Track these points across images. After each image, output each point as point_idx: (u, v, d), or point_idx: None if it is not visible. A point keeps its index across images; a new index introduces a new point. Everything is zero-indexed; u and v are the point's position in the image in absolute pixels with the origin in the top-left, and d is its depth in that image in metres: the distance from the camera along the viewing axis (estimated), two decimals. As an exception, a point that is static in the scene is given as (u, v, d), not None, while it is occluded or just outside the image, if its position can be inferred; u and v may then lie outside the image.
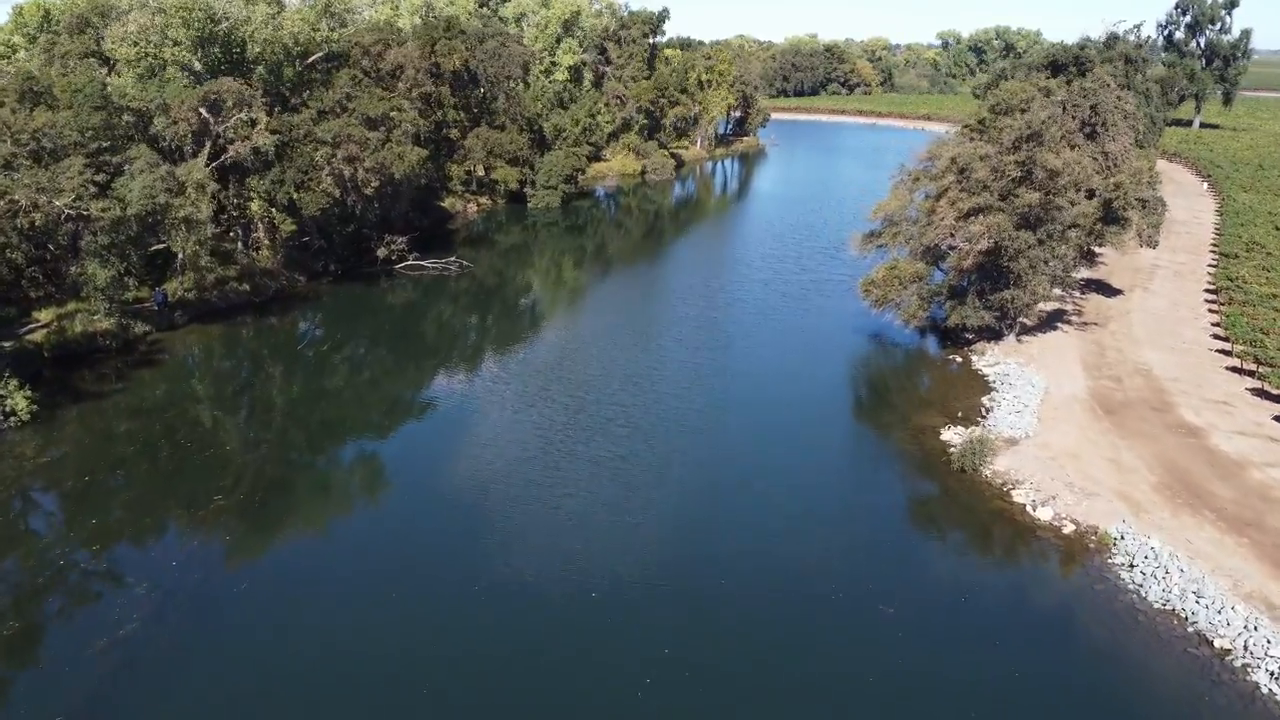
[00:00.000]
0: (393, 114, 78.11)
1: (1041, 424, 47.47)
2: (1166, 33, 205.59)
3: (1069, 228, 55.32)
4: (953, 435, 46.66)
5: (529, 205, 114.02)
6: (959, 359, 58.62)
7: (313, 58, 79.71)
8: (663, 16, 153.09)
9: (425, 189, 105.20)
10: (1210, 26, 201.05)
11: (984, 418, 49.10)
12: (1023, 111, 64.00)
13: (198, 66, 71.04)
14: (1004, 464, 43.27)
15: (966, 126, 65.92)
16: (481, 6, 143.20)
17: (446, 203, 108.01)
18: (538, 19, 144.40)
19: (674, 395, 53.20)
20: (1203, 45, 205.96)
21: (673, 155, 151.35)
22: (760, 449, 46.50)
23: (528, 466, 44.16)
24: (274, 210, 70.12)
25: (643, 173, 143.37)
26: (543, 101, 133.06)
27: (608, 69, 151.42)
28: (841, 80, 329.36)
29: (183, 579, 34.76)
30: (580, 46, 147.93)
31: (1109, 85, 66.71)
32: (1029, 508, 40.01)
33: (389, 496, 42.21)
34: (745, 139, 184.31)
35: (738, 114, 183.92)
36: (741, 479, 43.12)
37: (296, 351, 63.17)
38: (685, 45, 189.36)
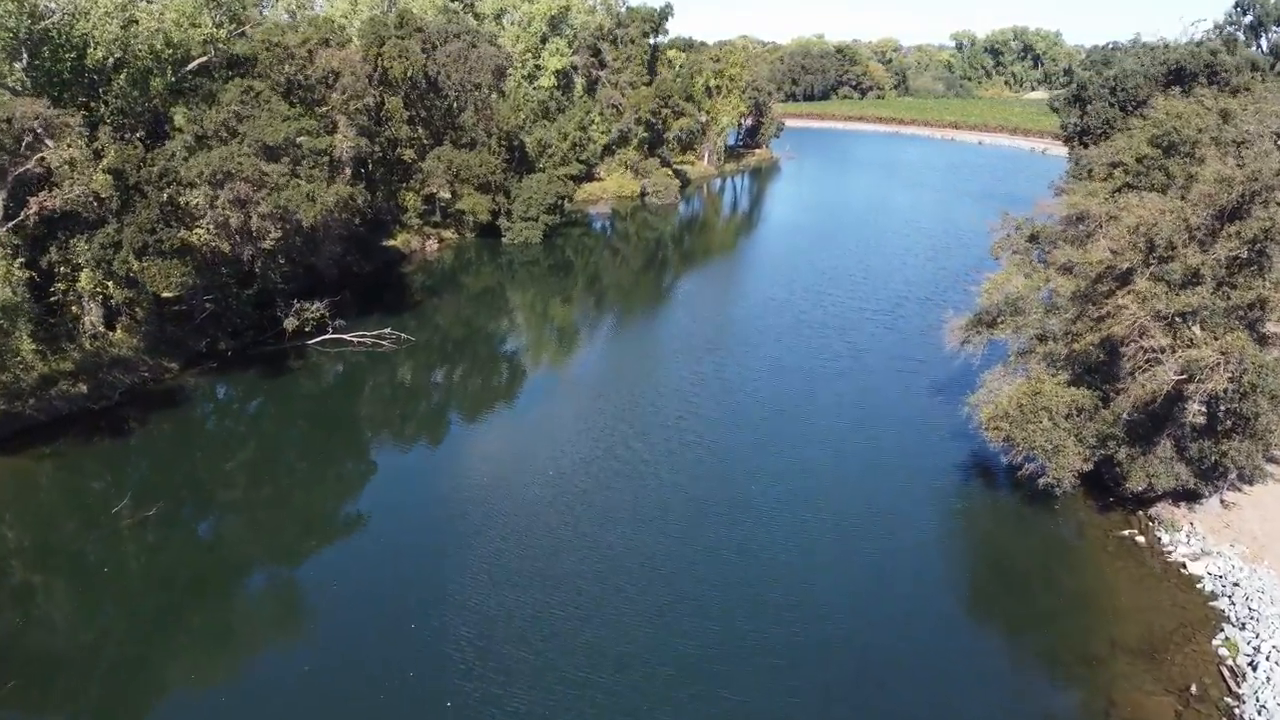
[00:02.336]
0: (300, 139, 57.12)
1: (1355, 725, 26.71)
2: (1225, 34, 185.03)
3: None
4: (1210, 759, 25.89)
5: (504, 240, 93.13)
6: (1138, 536, 37.78)
7: (194, 63, 58.81)
8: (665, 13, 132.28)
9: (372, 223, 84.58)
10: (1275, 28, 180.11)
11: (1236, 697, 28.29)
12: (1194, 148, 43.34)
13: (16, 79, 50.05)
14: None
15: (1118, 167, 45.07)
16: (454, 0, 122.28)
17: (399, 239, 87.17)
18: (520, 15, 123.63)
19: (689, 619, 32.48)
20: (1265, 48, 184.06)
21: (676, 172, 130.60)
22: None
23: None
24: (111, 284, 49.02)
25: (642, 194, 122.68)
26: (525, 112, 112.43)
27: (602, 73, 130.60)
28: (853, 84, 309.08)
29: None
30: (570, 47, 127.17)
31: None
32: None
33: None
34: (758, 151, 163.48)
35: (749, 122, 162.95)
36: None
37: (134, 492, 42.39)
38: (688, 46, 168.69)
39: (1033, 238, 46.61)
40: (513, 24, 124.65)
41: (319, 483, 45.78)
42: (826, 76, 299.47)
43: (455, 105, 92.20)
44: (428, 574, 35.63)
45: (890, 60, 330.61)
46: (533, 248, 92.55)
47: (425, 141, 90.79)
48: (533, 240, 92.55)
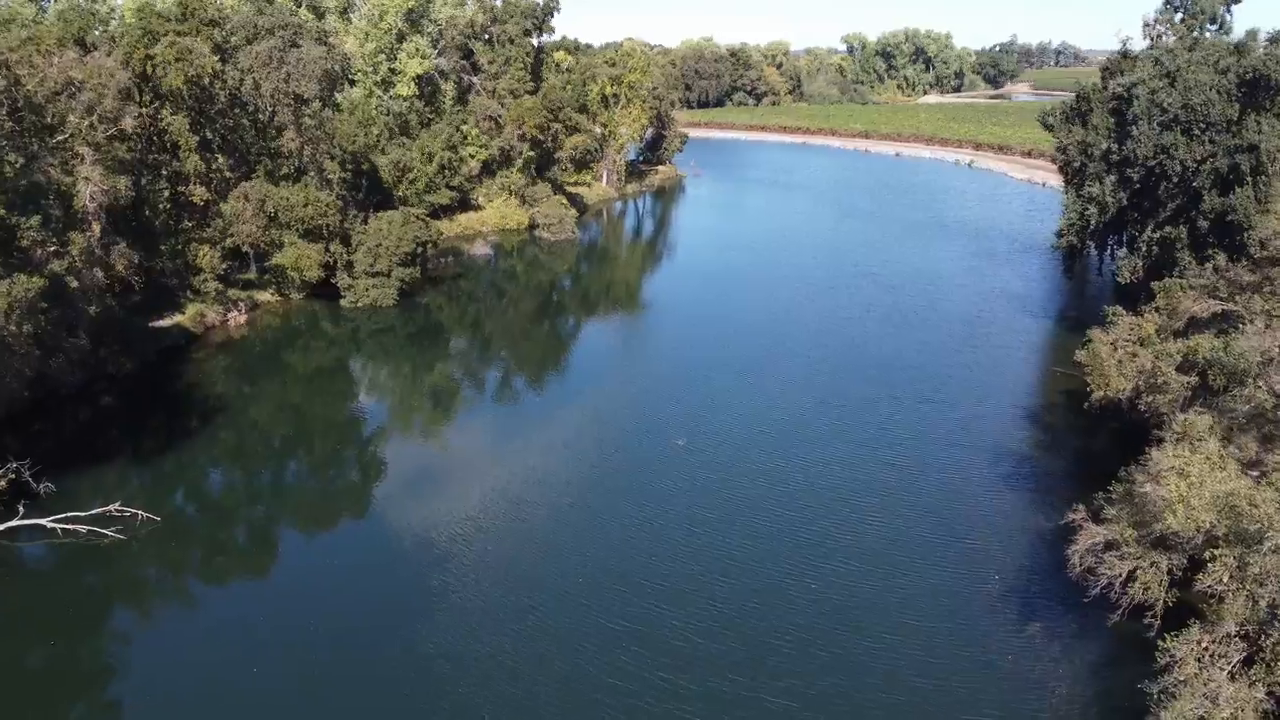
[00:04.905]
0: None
1: None
2: (1155, 34, 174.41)
3: None
4: None
5: (344, 302, 69.84)
6: None
7: None
8: (550, 7, 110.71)
9: (151, 293, 60.36)
10: (1210, 26, 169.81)
11: None
12: None
13: None
14: None
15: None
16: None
17: (188, 313, 62.86)
18: (369, 8, 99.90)
19: None
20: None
21: (571, 198, 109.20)
22: None
23: None
24: None
25: (531, 226, 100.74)
26: (377, 128, 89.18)
27: (475, 80, 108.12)
28: (748, 89, 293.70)
29: None
30: (434, 48, 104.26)
31: None
32: None
33: None
34: (661, 168, 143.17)
35: (649, 134, 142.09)
36: None
37: None
38: (576, 48, 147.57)
39: (1188, 366, 26.97)
40: (361, 19, 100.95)
41: None
42: (721, 82, 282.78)
43: (270, 125, 68.56)
44: None
45: (781, 64, 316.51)
46: (385, 312, 69.56)
47: (228, 175, 66.85)
48: (383, 302, 69.53)
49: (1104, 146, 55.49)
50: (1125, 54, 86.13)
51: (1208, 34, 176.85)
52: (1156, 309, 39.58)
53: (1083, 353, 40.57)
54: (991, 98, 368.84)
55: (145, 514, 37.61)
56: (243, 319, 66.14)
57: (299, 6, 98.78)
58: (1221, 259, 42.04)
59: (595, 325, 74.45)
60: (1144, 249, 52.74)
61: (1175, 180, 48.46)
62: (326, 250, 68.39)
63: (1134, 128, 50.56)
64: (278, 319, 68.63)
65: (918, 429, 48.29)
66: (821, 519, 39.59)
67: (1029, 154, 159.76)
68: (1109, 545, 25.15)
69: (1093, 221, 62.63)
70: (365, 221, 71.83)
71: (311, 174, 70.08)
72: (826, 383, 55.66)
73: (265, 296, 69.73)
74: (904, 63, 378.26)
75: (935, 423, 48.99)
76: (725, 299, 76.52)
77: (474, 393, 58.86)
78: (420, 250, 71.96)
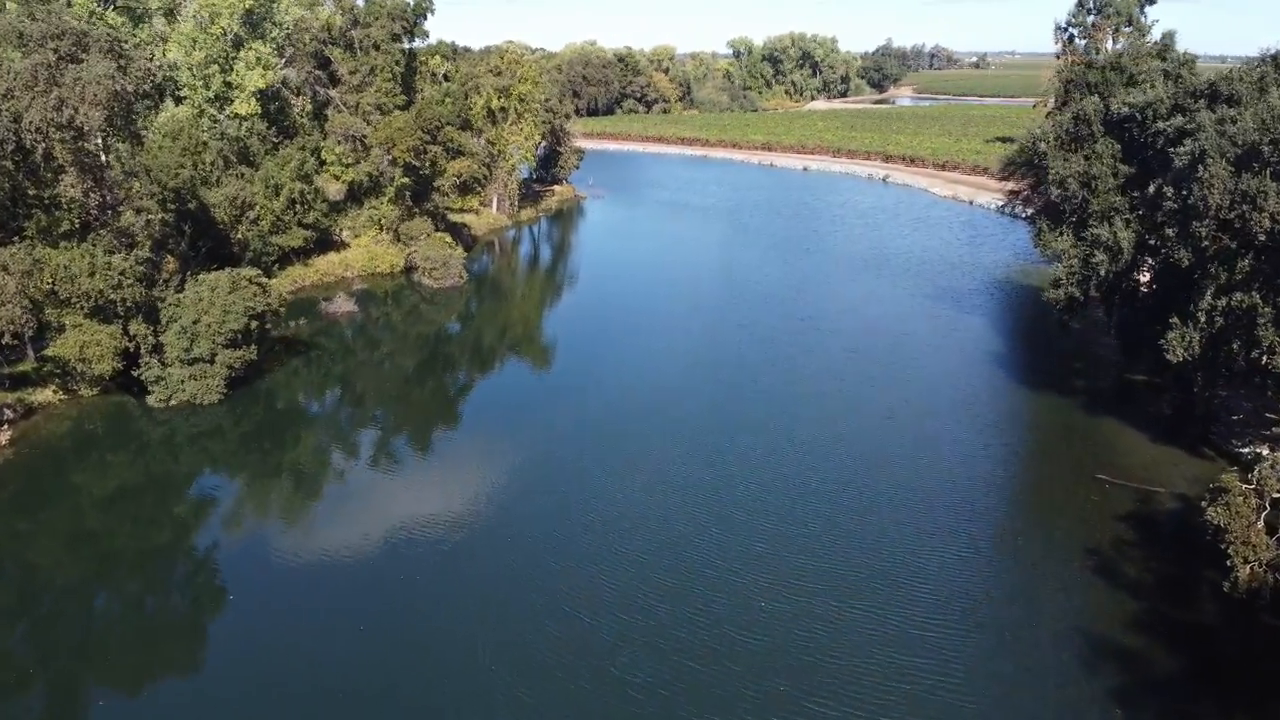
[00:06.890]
0: None
1: None
2: (1067, 36, 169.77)
3: None
4: None
5: (152, 400, 52.39)
6: None
7: None
8: (422, 8, 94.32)
9: None
10: (1126, 28, 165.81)
11: None
12: None
13: None
14: None
15: None
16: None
17: (-82, 437, 44.75)
18: (195, 7, 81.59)
19: None
20: (1112, 50, 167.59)
21: (456, 230, 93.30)
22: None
23: None
24: None
25: (408, 269, 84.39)
26: (209, 157, 71.62)
27: (334, 93, 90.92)
28: (638, 96, 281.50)
29: None
30: (281, 56, 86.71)
31: None
32: None
33: None
34: (557, 188, 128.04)
35: (543, 150, 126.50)
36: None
37: None
38: (454, 53, 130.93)
39: None
40: (187, 20, 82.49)
41: None
42: (610, 88, 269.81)
43: (44, 167, 50.76)
44: None
45: (669, 70, 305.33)
46: (209, 411, 52.56)
47: (-23, 235, 48.91)
48: (205, 399, 52.45)
49: (1073, 173, 43.71)
50: (1090, 63, 75.29)
51: (1124, 37, 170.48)
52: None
53: (1217, 512, 28.08)
54: (877, 102, 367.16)
55: None
56: (4, 438, 48.00)
57: (106, 9, 79.77)
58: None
59: (492, 412, 58.75)
60: (1203, 319, 40.96)
61: (1264, 236, 36.74)
62: (125, 332, 50.98)
63: (1200, 167, 38.63)
64: (64, 426, 50.86)
65: (964, 606, 34.33)
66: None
67: (943, 167, 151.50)
68: None
69: (1102, 270, 51.05)
70: (181, 287, 54.60)
71: (108, 226, 52.62)
72: (811, 506, 41.99)
73: (46, 396, 51.80)
74: (791, 68, 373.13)
75: (982, 589, 35.36)
76: (656, 391, 61.70)
77: (331, 491, 45.29)
78: (256, 324, 55.04)
